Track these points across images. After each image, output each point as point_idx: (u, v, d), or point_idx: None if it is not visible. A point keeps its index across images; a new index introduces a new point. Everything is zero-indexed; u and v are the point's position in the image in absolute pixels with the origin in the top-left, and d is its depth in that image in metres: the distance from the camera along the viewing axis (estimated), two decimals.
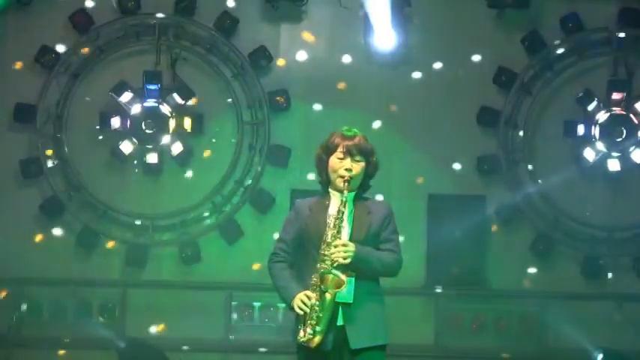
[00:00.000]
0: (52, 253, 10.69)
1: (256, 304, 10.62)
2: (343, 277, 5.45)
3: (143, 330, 10.56)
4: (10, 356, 10.30)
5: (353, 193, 5.66)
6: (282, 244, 5.71)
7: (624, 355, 10.31)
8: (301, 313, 5.47)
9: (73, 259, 10.73)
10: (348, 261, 5.47)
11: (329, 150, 5.66)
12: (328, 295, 5.45)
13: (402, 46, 10.74)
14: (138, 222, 10.86)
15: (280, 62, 10.97)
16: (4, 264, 10.50)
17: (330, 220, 5.54)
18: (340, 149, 5.61)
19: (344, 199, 5.56)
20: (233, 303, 10.59)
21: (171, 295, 10.77)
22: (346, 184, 5.58)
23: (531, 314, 10.71)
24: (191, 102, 10.79)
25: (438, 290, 10.64)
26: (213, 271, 10.80)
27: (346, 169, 5.60)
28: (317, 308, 5.45)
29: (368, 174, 5.70)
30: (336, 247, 5.47)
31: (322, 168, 5.70)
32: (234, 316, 10.60)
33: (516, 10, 10.76)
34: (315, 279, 5.48)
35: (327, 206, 5.64)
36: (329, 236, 5.50)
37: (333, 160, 5.64)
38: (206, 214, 10.92)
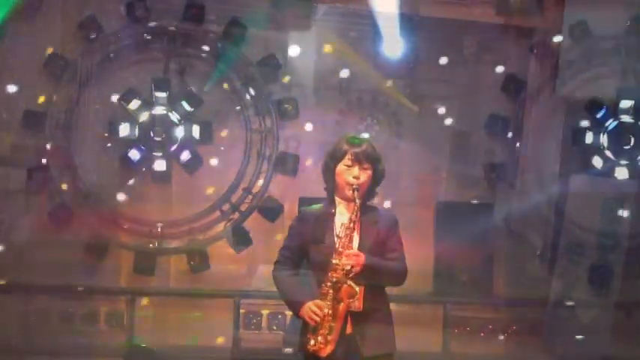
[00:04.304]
0: (59, 261, 10.68)
1: (264, 312, 10.61)
2: (357, 287, 5.44)
3: (151, 338, 10.54)
4: None
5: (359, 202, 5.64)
6: (287, 251, 5.71)
7: None
8: (313, 323, 5.46)
9: (81, 266, 10.73)
10: (358, 270, 5.46)
11: (336, 157, 5.63)
12: (342, 305, 5.44)
13: (411, 54, 10.74)
14: (146, 229, 10.87)
15: (289, 70, 10.97)
16: (12, 271, 10.50)
17: (341, 229, 5.52)
18: (348, 156, 5.58)
19: (355, 209, 5.53)
20: (241, 311, 10.58)
21: (179, 302, 10.77)
22: (355, 192, 5.54)
23: (539, 322, 10.68)
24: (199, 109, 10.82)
25: (446, 298, 10.63)
26: (221, 278, 10.79)
27: (354, 177, 5.58)
28: (329, 317, 5.44)
29: (375, 181, 5.68)
30: (347, 256, 5.46)
31: (329, 175, 5.67)
32: (242, 323, 10.59)
33: (525, 17, 10.76)
34: (326, 288, 5.46)
35: (334, 214, 5.62)
36: (340, 245, 5.49)
37: (341, 168, 5.60)
38: (214, 221, 10.93)
